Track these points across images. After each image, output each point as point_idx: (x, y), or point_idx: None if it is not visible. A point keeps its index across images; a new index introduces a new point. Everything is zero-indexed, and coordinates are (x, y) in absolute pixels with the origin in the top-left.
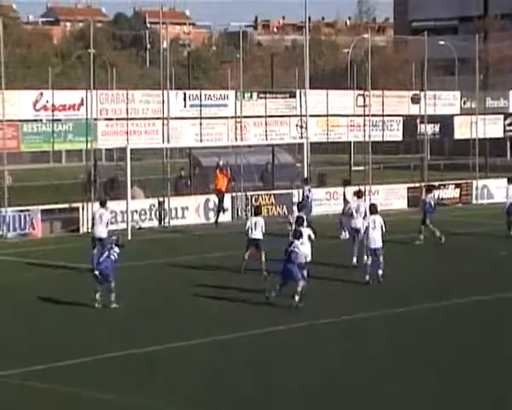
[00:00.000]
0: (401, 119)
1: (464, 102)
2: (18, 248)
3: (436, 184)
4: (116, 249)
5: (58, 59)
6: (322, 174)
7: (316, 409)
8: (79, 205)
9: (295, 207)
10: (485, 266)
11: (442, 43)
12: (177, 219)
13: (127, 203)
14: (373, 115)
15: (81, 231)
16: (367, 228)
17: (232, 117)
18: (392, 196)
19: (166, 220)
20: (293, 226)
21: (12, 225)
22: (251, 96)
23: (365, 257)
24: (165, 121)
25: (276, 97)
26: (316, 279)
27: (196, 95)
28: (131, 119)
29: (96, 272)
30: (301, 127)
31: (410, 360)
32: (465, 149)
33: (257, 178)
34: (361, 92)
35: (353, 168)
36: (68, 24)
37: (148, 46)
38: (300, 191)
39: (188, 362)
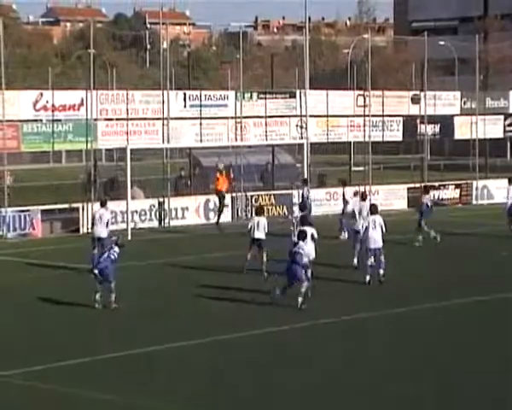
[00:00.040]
0: (401, 119)
1: (464, 103)
2: (18, 248)
3: (435, 184)
4: (116, 249)
5: (58, 59)
6: (322, 175)
7: (316, 409)
8: (79, 205)
9: (296, 208)
10: (485, 266)
11: (442, 43)
12: (177, 220)
13: (127, 204)
14: (373, 116)
15: (81, 232)
16: (366, 228)
17: (232, 117)
18: (393, 197)
19: (166, 221)
20: (297, 227)
21: (12, 226)
22: (251, 97)
23: (371, 259)
24: (165, 121)
25: (276, 98)
26: (316, 279)
27: (196, 95)
28: (131, 119)
29: (96, 271)
30: (301, 127)
31: (410, 360)
32: (465, 149)
33: (257, 179)
34: (361, 92)
35: (353, 169)
36: (68, 24)
37: (148, 46)
38: (300, 192)
39: (188, 362)
